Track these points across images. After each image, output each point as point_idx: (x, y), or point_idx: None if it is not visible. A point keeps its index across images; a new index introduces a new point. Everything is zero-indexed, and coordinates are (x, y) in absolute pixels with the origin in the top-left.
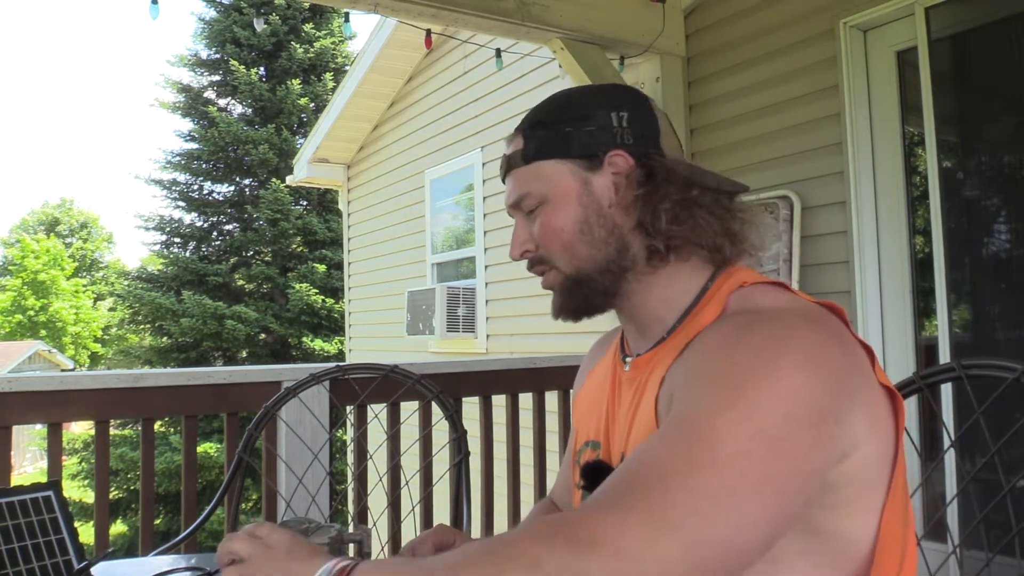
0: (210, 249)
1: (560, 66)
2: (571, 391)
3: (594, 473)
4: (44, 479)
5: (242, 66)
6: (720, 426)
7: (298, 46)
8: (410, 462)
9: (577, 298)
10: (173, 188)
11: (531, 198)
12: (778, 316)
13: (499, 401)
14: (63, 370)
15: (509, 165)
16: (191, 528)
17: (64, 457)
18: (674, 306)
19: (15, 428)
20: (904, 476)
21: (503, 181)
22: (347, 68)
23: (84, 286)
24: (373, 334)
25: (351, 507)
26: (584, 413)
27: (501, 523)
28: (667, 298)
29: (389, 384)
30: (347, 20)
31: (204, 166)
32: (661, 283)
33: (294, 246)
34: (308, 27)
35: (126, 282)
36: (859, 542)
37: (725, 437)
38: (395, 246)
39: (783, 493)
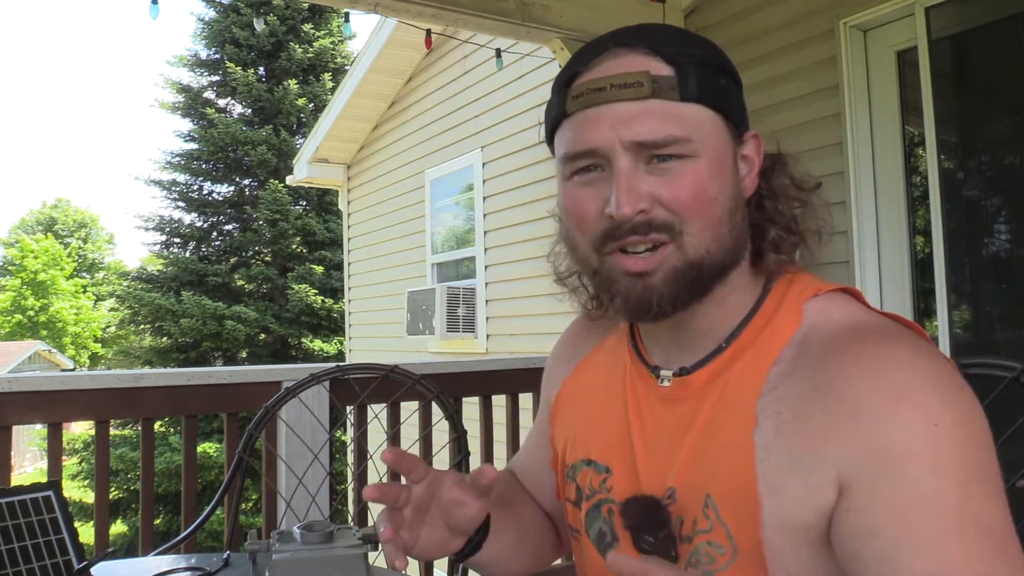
0: (210, 249)
1: (560, 66)
2: (545, 385)
3: (644, 511)
4: (44, 479)
5: (240, 67)
6: (986, 505)
7: (297, 46)
8: None
9: (684, 292)
10: (173, 188)
11: (685, 146)
12: (903, 345)
13: (499, 401)
14: (63, 370)
15: (654, 88)
16: (191, 528)
17: (64, 457)
18: (733, 313)
19: (15, 428)
20: None
21: (593, 92)
22: (346, 68)
23: (84, 287)
24: (373, 334)
25: (351, 507)
26: (577, 423)
27: None
28: (730, 305)
29: (389, 384)
30: (347, 20)
31: (203, 166)
32: (728, 288)
33: (293, 247)
34: (307, 27)
35: (126, 283)
36: None
37: (998, 516)
38: (395, 246)
39: None
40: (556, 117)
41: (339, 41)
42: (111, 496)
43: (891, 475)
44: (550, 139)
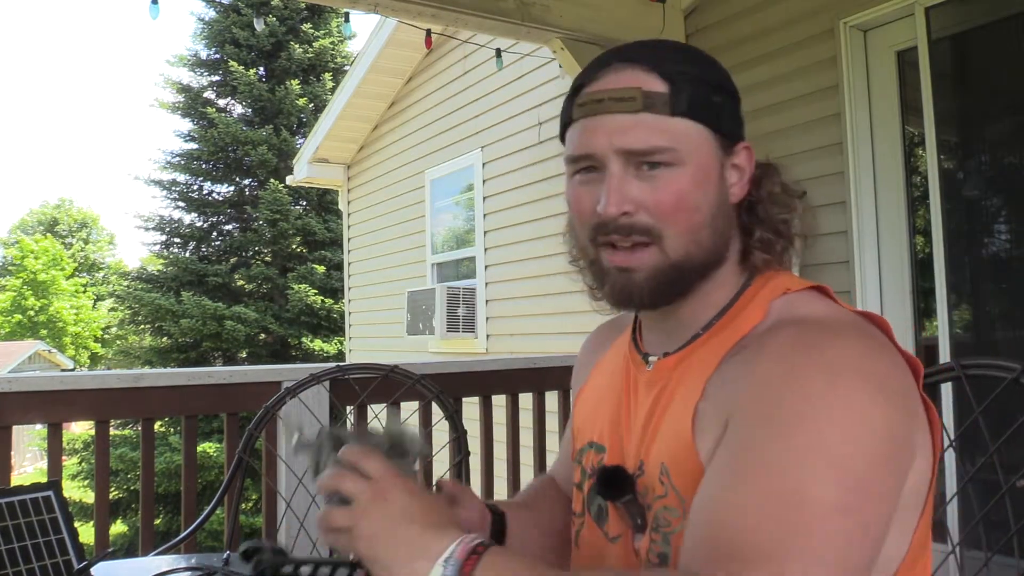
0: (210, 249)
1: (560, 66)
2: (572, 383)
3: (613, 479)
4: (44, 479)
5: (241, 66)
6: (814, 480)
7: (297, 46)
8: None
9: (665, 288)
10: (173, 188)
11: (670, 155)
12: (836, 333)
13: (499, 401)
14: (63, 370)
15: (646, 103)
16: (191, 528)
17: (64, 457)
18: (713, 306)
19: (15, 428)
20: (934, 490)
21: (595, 103)
22: (346, 68)
23: (84, 287)
24: (373, 334)
25: None
26: (589, 411)
27: None
28: (713, 299)
29: (389, 384)
30: (347, 20)
31: (204, 166)
32: (714, 284)
33: (293, 247)
34: (307, 27)
35: (125, 283)
36: (889, 561)
37: (822, 493)
38: (395, 246)
39: (876, 537)
40: (565, 121)
41: (339, 41)
42: (111, 496)
43: (738, 420)
44: (562, 137)
